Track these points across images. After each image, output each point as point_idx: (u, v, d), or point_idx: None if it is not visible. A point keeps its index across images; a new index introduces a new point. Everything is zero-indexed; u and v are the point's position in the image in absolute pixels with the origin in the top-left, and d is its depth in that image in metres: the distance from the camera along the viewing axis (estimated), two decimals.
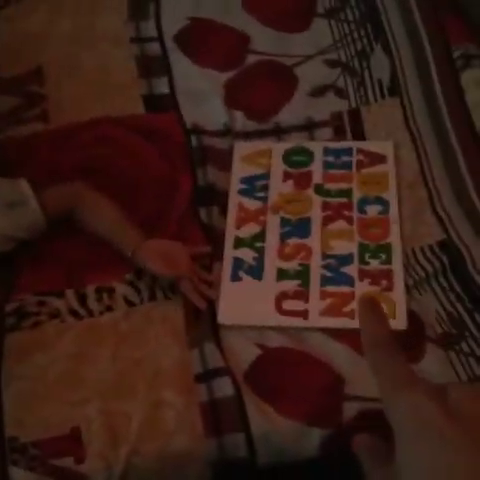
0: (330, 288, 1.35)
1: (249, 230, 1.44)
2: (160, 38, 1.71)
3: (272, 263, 1.39)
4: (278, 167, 1.52)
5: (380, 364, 0.42)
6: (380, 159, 1.51)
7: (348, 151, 1.53)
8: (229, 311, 1.33)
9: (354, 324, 1.29)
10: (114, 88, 1.64)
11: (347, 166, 1.51)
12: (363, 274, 1.36)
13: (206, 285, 1.36)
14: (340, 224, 1.43)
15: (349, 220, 1.44)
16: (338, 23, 1.73)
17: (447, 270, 1.36)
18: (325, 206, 1.46)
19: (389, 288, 1.34)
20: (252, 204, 1.47)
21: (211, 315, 1.33)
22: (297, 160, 1.53)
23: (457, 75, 1.57)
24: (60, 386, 1.24)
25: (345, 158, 1.52)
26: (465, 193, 1.45)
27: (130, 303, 1.35)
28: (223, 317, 1.32)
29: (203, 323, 1.31)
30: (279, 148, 1.55)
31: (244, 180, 1.51)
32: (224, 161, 1.53)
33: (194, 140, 1.56)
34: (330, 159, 1.52)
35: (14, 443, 1.18)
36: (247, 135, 1.57)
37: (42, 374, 1.26)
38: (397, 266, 1.36)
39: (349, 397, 1.22)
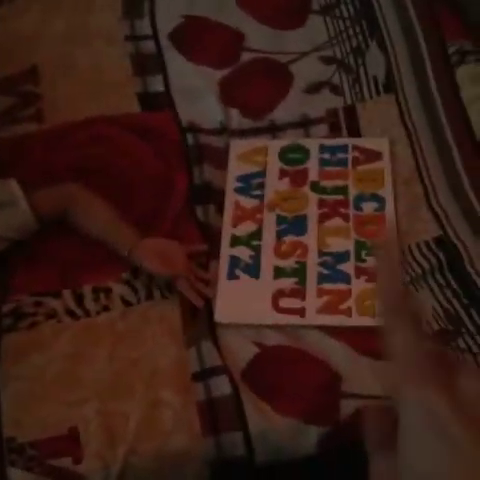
0: (327, 286, 1.35)
1: (245, 228, 1.43)
2: (155, 36, 1.71)
3: (269, 261, 1.39)
4: (274, 165, 1.52)
5: (393, 340, 0.40)
6: (376, 156, 1.51)
7: (344, 148, 1.53)
8: (226, 309, 1.33)
9: (351, 322, 1.30)
10: (109, 86, 1.63)
11: (343, 163, 1.51)
12: (360, 271, 1.36)
13: (203, 283, 1.35)
14: (336, 221, 1.43)
15: (345, 217, 1.44)
16: (333, 20, 1.73)
17: (443, 266, 1.36)
18: (321, 203, 1.46)
19: None
20: (248, 202, 1.47)
21: (208, 314, 1.32)
22: (293, 158, 1.53)
23: (452, 71, 1.57)
24: (57, 386, 1.24)
25: (341, 155, 1.52)
26: (461, 189, 1.45)
27: (127, 303, 1.35)
28: (220, 315, 1.32)
29: (200, 322, 1.31)
30: (275, 146, 1.55)
31: (240, 178, 1.51)
32: (220, 159, 1.53)
33: (190, 138, 1.55)
34: (326, 156, 1.52)
35: (12, 443, 1.18)
36: (243, 133, 1.57)
37: (39, 374, 1.26)
38: None
39: (346, 395, 1.22)
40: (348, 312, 1.31)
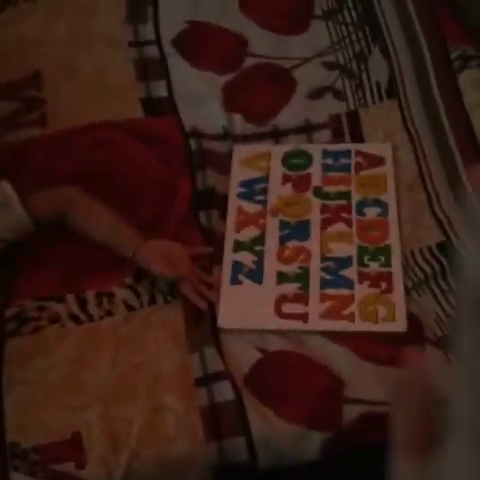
0: (330, 291, 1.35)
1: (249, 233, 1.44)
2: (158, 41, 1.71)
3: (272, 266, 1.39)
4: (277, 170, 1.52)
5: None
6: (378, 161, 1.52)
7: (347, 153, 1.53)
8: (229, 315, 1.33)
9: (354, 327, 1.30)
10: (112, 92, 1.64)
11: (346, 168, 1.51)
12: (362, 277, 1.36)
13: (206, 287, 1.36)
14: (339, 227, 1.44)
15: (348, 223, 1.44)
16: (336, 25, 1.73)
17: (446, 272, 1.36)
18: (324, 209, 1.46)
19: (388, 290, 1.34)
20: (251, 207, 1.47)
21: (211, 319, 1.33)
22: (296, 163, 1.53)
23: (455, 77, 1.58)
24: (61, 391, 1.24)
25: (344, 160, 1.52)
26: (464, 195, 1.45)
27: (130, 307, 1.35)
28: (223, 321, 1.32)
29: (203, 327, 1.31)
30: (278, 151, 1.55)
31: (243, 183, 1.51)
32: (223, 164, 1.53)
33: (193, 143, 1.56)
34: (329, 162, 1.52)
35: (15, 449, 1.18)
36: (246, 138, 1.58)
37: (42, 379, 1.26)
38: (396, 268, 1.37)
39: (349, 400, 1.22)
40: (351, 317, 1.31)
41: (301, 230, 1.44)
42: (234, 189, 1.50)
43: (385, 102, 1.60)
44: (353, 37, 1.70)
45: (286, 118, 1.60)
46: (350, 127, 1.58)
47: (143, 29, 1.73)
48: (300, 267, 1.39)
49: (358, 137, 1.57)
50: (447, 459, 0.39)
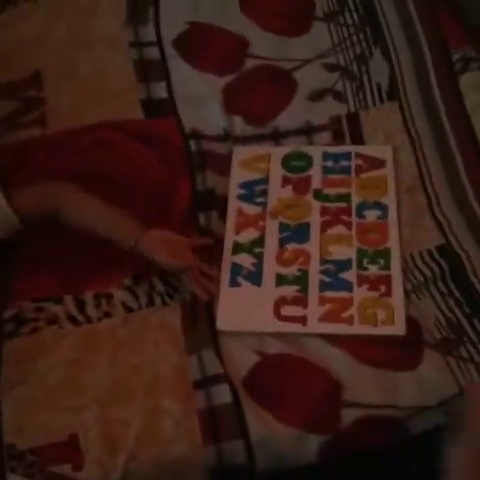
0: (329, 294, 1.35)
1: (248, 235, 1.43)
2: (159, 42, 1.71)
3: (271, 268, 1.39)
4: (277, 172, 1.52)
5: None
6: (379, 163, 1.51)
7: (347, 156, 1.53)
8: (228, 317, 1.33)
9: (352, 330, 1.30)
10: (112, 93, 1.64)
11: (346, 171, 1.51)
12: (362, 280, 1.36)
13: (207, 279, 1.35)
14: (339, 229, 1.43)
15: (348, 225, 1.43)
16: (337, 27, 1.73)
17: (446, 275, 1.36)
18: (324, 211, 1.46)
19: (388, 293, 1.33)
20: (251, 209, 1.47)
21: (210, 321, 1.32)
22: (296, 165, 1.53)
23: (455, 79, 1.57)
24: (58, 392, 1.24)
25: (344, 163, 1.52)
26: (465, 198, 1.45)
27: (128, 309, 1.35)
28: (222, 323, 1.32)
29: (201, 329, 1.31)
30: (278, 153, 1.55)
31: (243, 185, 1.51)
32: (223, 166, 1.53)
33: (193, 145, 1.56)
34: (329, 164, 1.52)
35: (12, 450, 1.18)
36: (246, 140, 1.58)
37: (41, 380, 1.26)
38: (396, 271, 1.36)
39: (347, 403, 1.22)
40: (350, 320, 1.31)
41: (301, 232, 1.43)
42: (234, 190, 1.50)
43: (386, 104, 1.60)
44: (354, 39, 1.70)
45: (286, 120, 1.60)
46: (350, 129, 1.58)
47: (144, 30, 1.73)
48: (299, 269, 1.38)
49: (358, 139, 1.57)
50: None
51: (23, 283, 1.38)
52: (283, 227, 1.44)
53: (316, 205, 1.47)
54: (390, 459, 1.24)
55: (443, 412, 1.21)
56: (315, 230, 1.43)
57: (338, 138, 1.57)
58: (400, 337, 1.28)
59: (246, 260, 1.40)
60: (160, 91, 1.64)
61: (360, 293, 1.34)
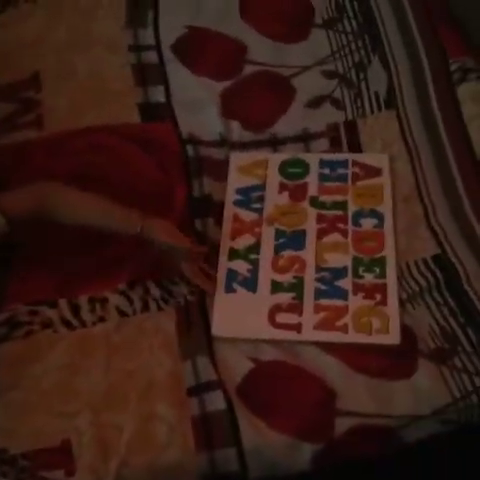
0: (324, 301, 1.35)
1: (244, 242, 1.43)
2: (158, 46, 1.71)
3: (266, 275, 1.39)
4: (274, 178, 1.52)
5: None
6: (375, 172, 1.51)
7: (344, 163, 1.53)
8: (223, 323, 1.32)
9: (347, 338, 1.30)
10: (110, 95, 1.63)
11: (342, 178, 1.51)
12: (357, 288, 1.36)
13: (206, 277, 1.36)
14: (335, 237, 1.43)
15: (344, 233, 1.43)
16: (336, 34, 1.73)
17: (441, 285, 1.36)
18: (320, 218, 1.46)
19: (383, 302, 1.33)
20: (247, 215, 1.47)
21: (205, 327, 1.32)
22: (293, 172, 1.53)
23: (453, 89, 1.58)
24: (52, 397, 1.24)
25: (341, 170, 1.52)
26: (460, 208, 1.45)
27: (122, 313, 1.35)
28: (217, 329, 1.31)
29: (196, 335, 1.31)
30: (275, 159, 1.55)
31: (240, 191, 1.51)
32: (220, 172, 1.53)
33: (190, 150, 1.55)
34: (326, 171, 1.52)
35: (4, 455, 1.17)
36: (243, 146, 1.57)
37: (34, 384, 1.25)
38: (391, 280, 1.36)
39: (341, 412, 1.21)
40: (344, 329, 1.31)
41: (296, 239, 1.43)
42: (230, 196, 1.50)
43: (383, 112, 1.60)
44: (353, 46, 1.71)
45: (284, 126, 1.60)
46: (348, 136, 1.58)
47: (143, 33, 1.73)
48: (295, 277, 1.38)
49: (356, 147, 1.57)
50: None
51: (18, 286, 1.37)
52: (279, 234, 1.44)
53: (312, 212, 1.47)
54: (384, 468, 1.24)
55: (437, 421, 1.22)
56: (311, 237, 1.43)
57: (335, 145, 1.57)
58: (395, 346, 1.28)
59: (242, 266, 1.40)
60: (158, 95, 1.64)
61: (355, 301, 1.34)
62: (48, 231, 1.37)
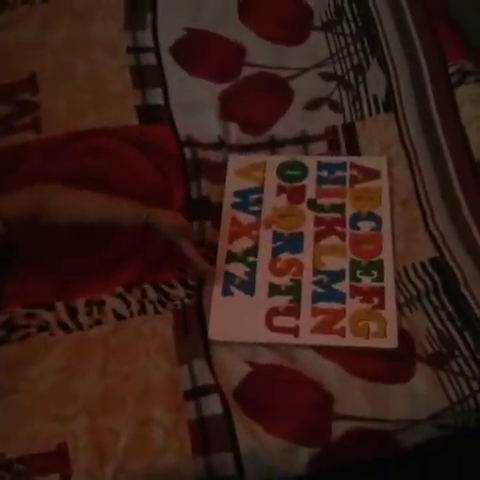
0: (321, 305, 1.34)
1: (241, 244, 1.43)
2: (156, 49, 1.70)
3: (264, 278, 1.39)
4: (272, 181, 1.52)
5: None
6: (374, 174, 1.51)
7: (342, 166, 1.53)
8: (220, 326, 1.32)
9: (344, 342, 1.30)
10: (108, 98, 1.63)
11: (341, 181, 1.51)
12: (355, 291, 1.35)
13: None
14: (332, 240, 1.43)
15: (341, 236, 1.43)
16: (334, 36, 1.73)
17: (439, 288, 1.36)
18: (318, 221, 1.46)
19: (380, 306, 1.33)
20: (245, 218, 1.47)
21: (202, 330, 1.32)
22: (291, 174, 1.53)
23: (452, 91, 1.57)
24: (48, 400, 1.23)
25: (339, 173, 1.52)
26: (458, 211, 1.45)
27: (119, 316, 1.35)
28: (214, 333, 1.31)
29: (193, 338, 1.31)
30: (273, 162, 1.55)
31: (238, 193, 1.50)
32: (218, 174, 1.52)
33: (188, 152, 1.55)
34: (324, 174, 1.52)
35: (0, 459, 1.17)
36: (241, 148, 1.57)
37: (31, 388, 1.25)
38: (389, 283, 1.36)
39: (338, 416, 1.21)
40: (342, 332, 1.30)
41: (294, 242, 1.43)
42: (228, 199, 1.49)
43: (382, 115, 1.60)
44: (351, 49, 1.70)
45: (282, 129, 1.59)
46: (346, 139, 1.58)
47: (141, 36, 1.73)
48: (292, 280, 1.38)
49: (354, 150, 1.56)
50: None
51: (16, 287, 1.37)
52: (277, 236, 1.44)
53: (310, 215, 1.47)
54: (380, 472, 1.24)
55: (433, 426, 1.21)
56: (309, 240, 1.43)
57: (334, 148, 1.57)
58: (392, 350, 1.28)
59: (239, 269, 1.40)
60: (156, 97, 1.63)
61: (353, 305, 1.34)
62: (47, 232, 1.36)
